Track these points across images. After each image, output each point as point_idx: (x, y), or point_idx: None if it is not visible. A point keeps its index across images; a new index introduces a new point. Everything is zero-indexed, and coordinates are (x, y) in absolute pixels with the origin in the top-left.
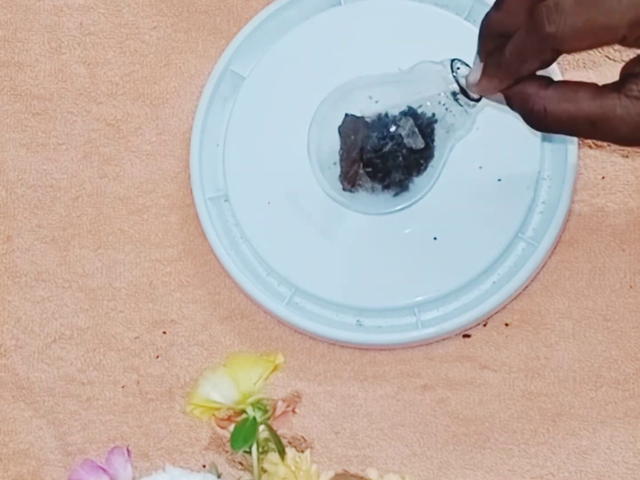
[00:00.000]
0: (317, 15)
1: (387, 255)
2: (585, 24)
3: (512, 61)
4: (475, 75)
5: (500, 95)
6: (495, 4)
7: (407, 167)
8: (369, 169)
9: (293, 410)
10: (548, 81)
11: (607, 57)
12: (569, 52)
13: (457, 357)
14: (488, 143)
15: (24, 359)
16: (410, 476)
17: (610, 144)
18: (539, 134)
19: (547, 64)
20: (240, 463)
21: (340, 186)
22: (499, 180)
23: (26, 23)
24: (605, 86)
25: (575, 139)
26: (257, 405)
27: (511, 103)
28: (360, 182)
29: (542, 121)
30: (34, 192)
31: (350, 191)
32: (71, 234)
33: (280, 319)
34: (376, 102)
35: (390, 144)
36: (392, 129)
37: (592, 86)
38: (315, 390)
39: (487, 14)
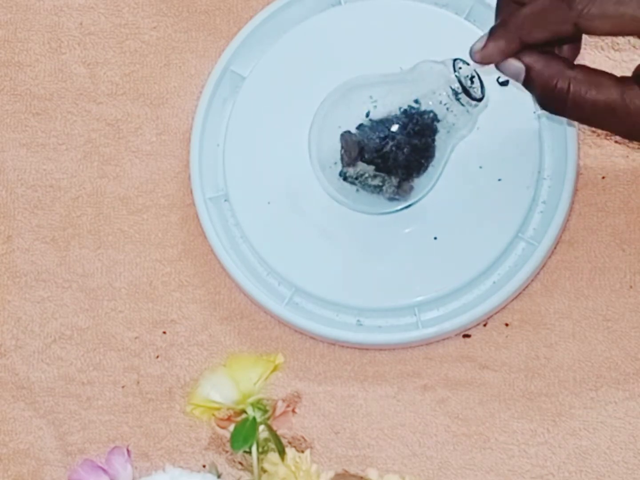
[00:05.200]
0: (317, 15)
1: (387, 255)
2: (616, 12)
3: (526, 23)
4: (482, 41)
5: (516, 68)
6: None
7: (407, 167)
8: (370, 168)
9: (293, 410)
10: (570, 63)
11: (607, 57)
12: (589, 33)
13: (457, 357)
14: (488, 143)
15: (24, 359)
16: (410, 476)
17: (616, 136)
18: (537, 126)
19: (558, 36)
20: (240, 463)
21: (341, 186)
22: (499, 180)
23: (26, 23)
24: (624, 77)
25: (575, 137)
26: (257, 405)
27: (531, 79)
28: (362, 180)
29: (562, 101)
30: (34, 192)
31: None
32: (71, 234)
33: (280, 319)
34: (376, 101)
35: (390, 144)
36: (393, 128)
37: (613, 75)
38: (315, 390)
39: None
